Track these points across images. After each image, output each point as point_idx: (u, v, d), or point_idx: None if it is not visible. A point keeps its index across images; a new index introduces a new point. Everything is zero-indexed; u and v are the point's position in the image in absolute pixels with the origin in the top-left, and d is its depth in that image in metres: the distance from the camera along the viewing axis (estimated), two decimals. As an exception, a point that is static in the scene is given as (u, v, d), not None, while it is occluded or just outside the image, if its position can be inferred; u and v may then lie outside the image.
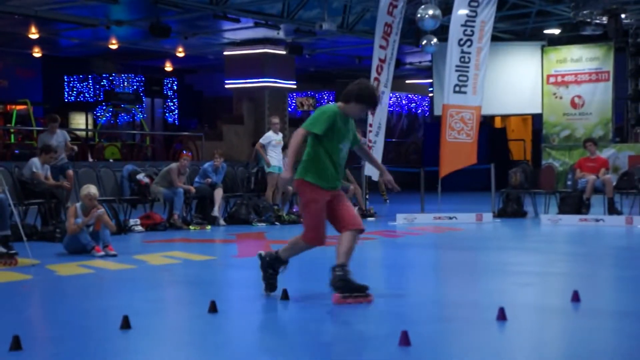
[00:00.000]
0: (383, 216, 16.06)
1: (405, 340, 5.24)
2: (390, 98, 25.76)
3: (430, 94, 31.29)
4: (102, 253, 10.20)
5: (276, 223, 14.88)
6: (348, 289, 6.90)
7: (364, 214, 16.17)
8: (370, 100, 7.05)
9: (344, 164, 7.35)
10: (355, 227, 7.27)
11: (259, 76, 27.28)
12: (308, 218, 7.18)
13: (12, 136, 25.12)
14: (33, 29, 23.68)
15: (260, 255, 7.37)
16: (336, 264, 6.99)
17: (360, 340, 5.69)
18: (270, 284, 7.27)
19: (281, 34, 24.71)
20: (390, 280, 9.02)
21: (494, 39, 17.17)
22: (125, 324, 5.86)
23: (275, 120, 16.16)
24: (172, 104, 33.70)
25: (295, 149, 6.88)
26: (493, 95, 20.68)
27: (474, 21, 15.06)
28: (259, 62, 27.20)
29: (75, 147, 14.30)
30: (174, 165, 14.50)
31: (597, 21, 20.29)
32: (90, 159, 22.38)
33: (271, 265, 7.27)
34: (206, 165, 15.32)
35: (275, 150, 15.59)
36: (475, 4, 15.03)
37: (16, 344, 5.24)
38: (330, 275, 6.97)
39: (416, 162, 29.74)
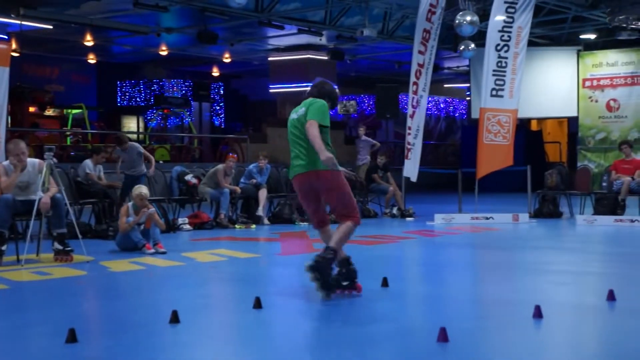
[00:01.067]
0: (421, 216, 15.98)
1: (443, 336, 5.23)
2: (429, 102, 25.73)
3: (468, 98, 31.12)
4: (152, 250, 10.30)
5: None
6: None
7: (403, 214, 16.16)
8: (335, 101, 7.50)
9: None
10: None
11: (302, 81, 27.27)
12: (350, 200, 7.10)
13: (68, 139, 25.44)
14: (88, 37, 23.96)
15: (313, 265, 6.81)
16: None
17: (400, 336, 5.67)
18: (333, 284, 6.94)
19: (324, 40, 24.72)
20: (428, 278, 8.99)
21: (531, 44, 17.00)
22: (175, 319, 5.92)
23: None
24: (218, 107, 33.85)
25: (320, 137, 6.82)
26: (529, 98, 20.52)
27: (511, 27, 14.96)
28: (302, 67, 27.22)
29: (152, 158, 14.07)
30: (220, 166, 14.59)
31: (633, 26, 20.02)
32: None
33: (331, 263, 6.92)
34: (251, 166, 15.39)
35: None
36: (513, 10, 14.93)
37: (72, 337, 5.31)
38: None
39: (454, 164, 29.55)
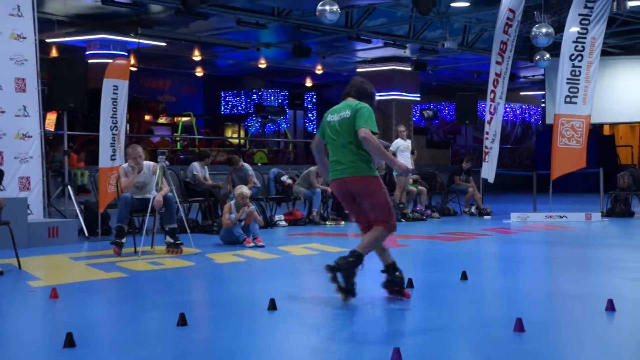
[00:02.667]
0: (498, 215, 15.75)
1: (519, 326, 5.15)
2: (505, 108, 25.29)
3: (543, 104, 30.52)
4: (252, 244, 10.42)
5: (402, 220, 14.82)
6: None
7: (481, 213, 15.97)
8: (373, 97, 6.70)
9: None
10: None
11: (388, 90, 27.20)
12: (386, 206, 6.42)
13: (178, 143, 26.01)
14: (196, 52, 24.40)
15: (332, 266, 6.31)
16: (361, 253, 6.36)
17: (479, 325, 5.60)
18: (352, 288, 6.35)
19: (407, 53, 24.60)
20: (504, 272, 8.85)
21: (604, 53, 16.59)
22: (272, 306, 5.98)
23: (402, 128, 16.09)
24: (311, 115, 33.98)
25: (382, 147, 6.43)
26: (602, 104, 19.99)
27: (584, 38, 14.60)
28: (388, 77, 27.13)
29: (257, 182, 13.92)
30: (313, 168, 14.65)
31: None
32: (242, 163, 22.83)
33: (353, 266, 6.35)
34: (341, 168, 15.39)
35: (403, 155, 15.50)
36: (587, 22, 14.58)
37: (182, 321, 5.42)
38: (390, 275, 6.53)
39: (529, 166, 29.04)
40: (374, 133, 6.24)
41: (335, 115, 6.47)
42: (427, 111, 34.37)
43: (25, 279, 7.85)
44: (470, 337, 5.25)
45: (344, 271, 6.25)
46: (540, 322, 5.56)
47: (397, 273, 6.53)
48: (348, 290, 6.28)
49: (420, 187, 16.08)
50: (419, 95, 28.90)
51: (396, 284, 6.50)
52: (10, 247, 8.39)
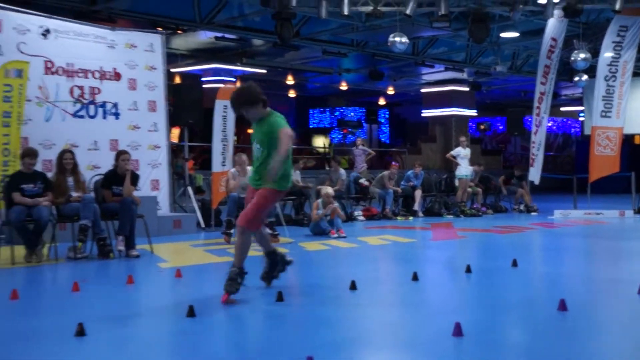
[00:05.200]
0: (543, 212, 15.36)
1: (562, 306, 5.00)
2: (549, 121, 24.61)
3: (581, 118, 29.54)
4: (336, 235, 10.45)
5: (460, 216, 14.65)
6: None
7: (529, 210, 15.61)
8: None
9: (259, 163, 5.68)
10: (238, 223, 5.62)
11: (448, 106, 26.85)
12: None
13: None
14: (289, 77, 24.57)
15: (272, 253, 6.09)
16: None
17: (526, 305, 5.47)
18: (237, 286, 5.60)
19: (465, 75, 24.24)
20: (549, 260, 8.61)
21: (635, 74, 16.02)
22: (353, 286, 5.96)
23: (463, 138, 15.87)
24: (384, 128, 33.87)
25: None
26: (633, 118, 19.15)
27: (617, 61, 14.13)
28: (448, 96, 26.75)
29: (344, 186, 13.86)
30: (386, 172, 14.63)
31: None
32: (327, 168, 22.93)
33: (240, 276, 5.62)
34: (409, 172, 15.33)
35: (463, 161, 15.33)
36: (619, 48, 14.10)
37: (280, 297, 5.47)
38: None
39: (569, 171, 28.20)
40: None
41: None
42: (482, 125, 33.78)
43: (156, 261, 8.06)
44: (520, 315, 5.15)
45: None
46: (581, 303, 5.40)
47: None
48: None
49: (476, 188, 15.87)
50: (475, 110, 28.41)
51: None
52: (144, 236, 8.64)
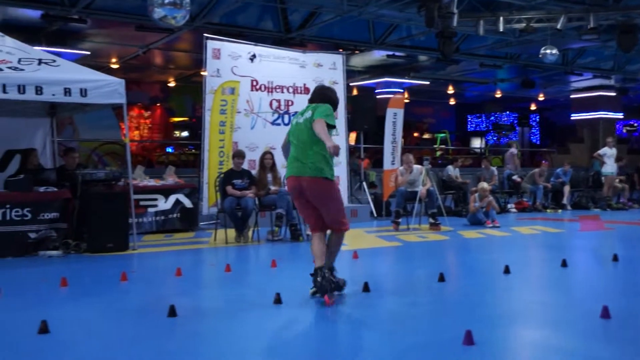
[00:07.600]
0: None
1: (605, 313, 4.08)
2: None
3: None
4: (491, 225, 10.07)
5: (607, 209, 13.48)
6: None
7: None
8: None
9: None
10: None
11: (595, 110, 24.78)
12: (340, 209, 4.78)
13: (437, 152, 25.56)
14: (450, 87, 24.05)
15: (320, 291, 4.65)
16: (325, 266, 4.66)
17: (562, 309, 4.91)
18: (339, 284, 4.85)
19: (612, 82, 22.29)
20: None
21: None
22: (507, 270, 5.73)
23: (610, 139, 14.57)
24: (535, 130, 32.10)
25: (326, 130, 4.44)
26: None
27: None
28: (595, 101, 24.66)
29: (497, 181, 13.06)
30: (536, 170, 13.87)
31: None
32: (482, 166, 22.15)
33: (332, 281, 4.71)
34: (558, 170, 14.38)
35: (609, 160, 14.10)
36: None
37: (441, 278, 5.32)
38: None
39: None
40: (330, 126, 4.49)
41: (300, 117, 4.76)
42: (628, 127, 30.84)
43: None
44: (559, 317, 4.55)
45: (330, 289, 4.64)
46: (624, 308, 4.68)
47: (332, 276, 4.77)
48: (339, 285, 4.83)
49: (623, 184, 14.54)
50: (622, 113, 25.95)
51: (328, 285, 4.63)
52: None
